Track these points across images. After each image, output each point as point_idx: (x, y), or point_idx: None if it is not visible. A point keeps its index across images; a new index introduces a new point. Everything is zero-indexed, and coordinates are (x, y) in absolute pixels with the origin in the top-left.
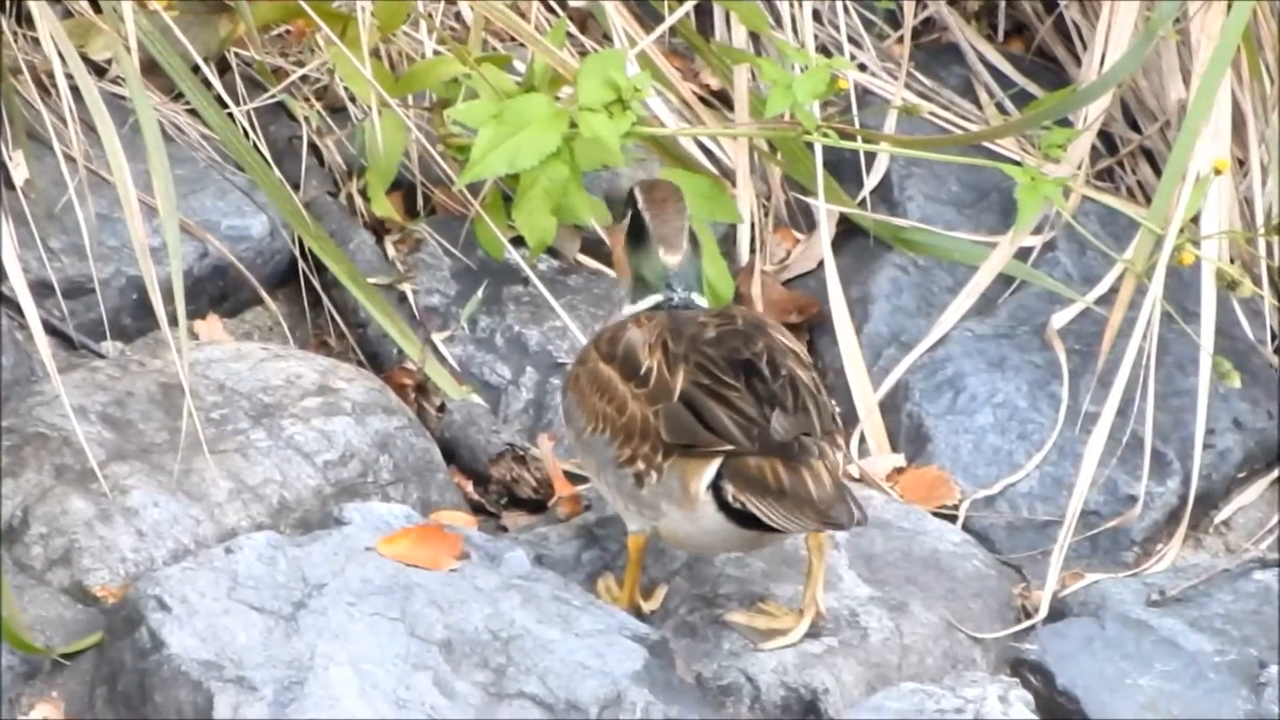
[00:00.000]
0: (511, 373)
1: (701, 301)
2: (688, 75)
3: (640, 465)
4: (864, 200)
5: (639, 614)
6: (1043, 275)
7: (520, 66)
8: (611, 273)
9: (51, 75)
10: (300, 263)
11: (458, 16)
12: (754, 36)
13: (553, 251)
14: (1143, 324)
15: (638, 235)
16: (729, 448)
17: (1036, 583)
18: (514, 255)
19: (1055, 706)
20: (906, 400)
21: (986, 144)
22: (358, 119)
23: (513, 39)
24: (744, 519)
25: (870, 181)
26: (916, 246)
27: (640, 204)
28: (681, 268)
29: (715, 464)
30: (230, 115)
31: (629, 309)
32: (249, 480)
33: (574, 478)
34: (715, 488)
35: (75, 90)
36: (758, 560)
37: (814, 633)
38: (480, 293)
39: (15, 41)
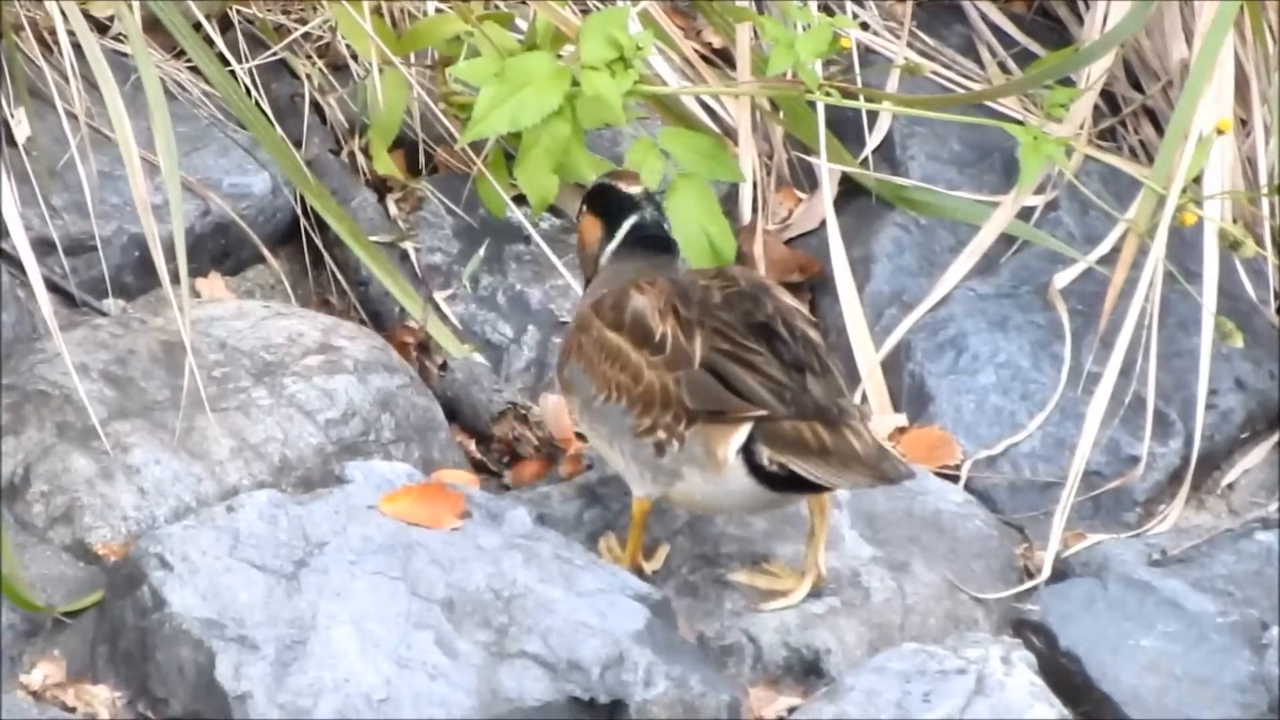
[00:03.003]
0: (513, 331)
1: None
2: (690, 33)
3: (661, 434)
4: (866, 159)
5: (641, 574)
6: (1045, 235)
7: (522, 24)
8: None
9: (54, 32)
10: (302, 221)
11: None
12: None
13: (555, 210)
14: (1145, 284)
15: (601, 204)
16: (761, 413)
17: (1039, 543)
18: (516, 213)
19: (1057, 667)
20: (908, 360)
21: (989, 103)
22: (360, 77)
23: None
24: (775, 481)
25: (872, 141)
26: (918, 206)
27: (597, 182)
28: (644, 196)
29: (746, 429)
30: (232, 73)
31: (608, 250)
32: (251, 438)
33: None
34: (746, 452)
35: (77, 47)
36: (760, 520)
37: (816, 593)
38: (482, 251)
39: None
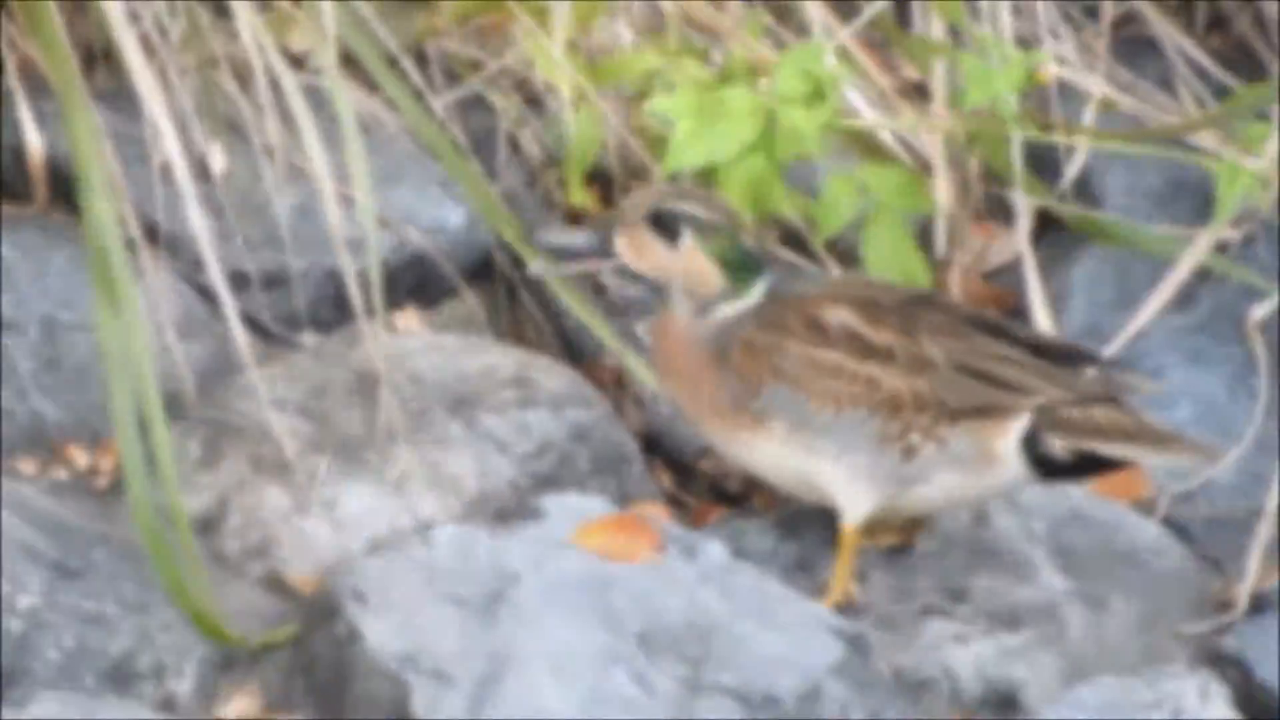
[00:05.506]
0: None
1: None
2: (885, 68)
3: (915, 437)
4: (1062, 193)
5: (850, 603)
6: (1242, 268)
7: (717, 59)
8: (811, 266)
9: (250, 67)
10: (497, 254)
11: (655, 9)
12: (952, 29)
13: None
14: None
15: (718, 248)
16: (1040, 400)
17: (1235, 577)
18: None
19: (1254, 701)
20: None
21: (1185, 137)
22: (555, 110)
23: (710, 31)
24: (1055, 470)
25: (1069, 174)
26: (1115, 239)
27: (686, 212)
28: (767, 251)
29: (1024, 421)
30: (427, 107)
31: (740, 304)
32: (446, 471)
33: None
34: (1027, 443)
35: (273, 82)
36: (959, 552)
37: (1012, 626)
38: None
39: (215, 34)
